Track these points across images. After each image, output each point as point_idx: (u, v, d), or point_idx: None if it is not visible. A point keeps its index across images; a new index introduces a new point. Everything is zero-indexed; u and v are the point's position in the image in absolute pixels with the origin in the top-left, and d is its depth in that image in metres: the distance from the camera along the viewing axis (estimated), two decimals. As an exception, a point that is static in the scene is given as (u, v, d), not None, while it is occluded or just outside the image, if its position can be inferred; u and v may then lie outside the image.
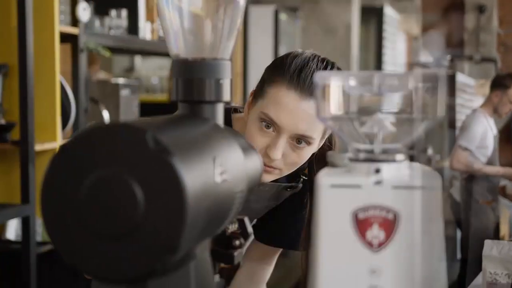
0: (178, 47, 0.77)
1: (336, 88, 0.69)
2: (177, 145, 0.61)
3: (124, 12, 3.23)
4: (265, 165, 1.26)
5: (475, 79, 6.42)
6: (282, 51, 4.99)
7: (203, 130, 0.72)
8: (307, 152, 1.29)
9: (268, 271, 1.57)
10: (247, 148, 0.81)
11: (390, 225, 0.66)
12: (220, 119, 0.77)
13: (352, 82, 0.69)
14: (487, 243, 1.97)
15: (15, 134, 2.52)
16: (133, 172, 0.59)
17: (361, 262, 0.66)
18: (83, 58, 2.85)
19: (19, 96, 2.46)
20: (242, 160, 0.75)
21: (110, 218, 0.59)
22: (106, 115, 3.08)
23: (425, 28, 7.76)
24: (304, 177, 1.45)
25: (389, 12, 7.56)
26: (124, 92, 3.24)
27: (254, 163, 0.82)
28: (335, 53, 5.79)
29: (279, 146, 1.25)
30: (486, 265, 1.90)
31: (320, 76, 0.69)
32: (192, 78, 0.75)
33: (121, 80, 3.40)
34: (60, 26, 2.69)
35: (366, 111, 0.70)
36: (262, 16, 5.35)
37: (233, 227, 0.84)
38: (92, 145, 0.60)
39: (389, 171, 0.67)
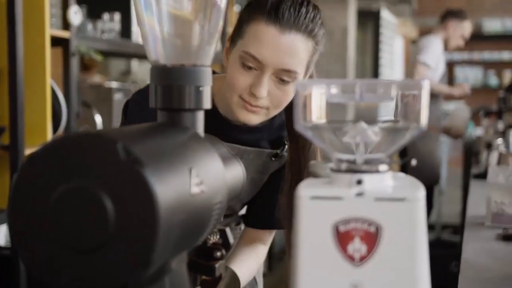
0: (157, 53, 0.75)
1: (317, 96, 0.67)
2: (150, 155, 0.59)
3: (117, 16, 3.20)
4: (251, 105, 1.26)
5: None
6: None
7: (181, 140, 0.69)
8: (292, 88, 1.27)
9: (264, 250, 1.53)
10: (228, 157, 0.79)
11: (372, 238, 0.63)
12: (200, 128, 0.75)
13: (334, 90, 0.66)
14: (492, 169, 1.81)
15: (5, 139, 2.49)
16: (104, 183, 0.57)
17: (342, 277, 0.64)
18: (74, 62, 2.82)
19: (9, 100, 2.44)
20: (221, 170, 0.72)
21: (79, 231, 0.57)
22: (98, 119, 3.06)
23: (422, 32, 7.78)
24: (288, 143, 1.43)
25: (386, 15, 7.54)
26: (118, 96, 3.22)
27: (235, 172, 0.80)
28: (332, 57, 5.78)
29: (264, 83, 1.24)
30: (491, 193, 1.75)
31: (300, 85, 0.67)
32: (171, 85, 0.73)
33: (114, 84, 3.37)
34: (52, 29, 2.66)
35: (360, 118, 0.68)
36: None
37: (214, 238, 0.82)
38: (62, 155, 0.58)
39: (371, 182, 0.65)
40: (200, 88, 0.74)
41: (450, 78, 8.84)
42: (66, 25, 2.78)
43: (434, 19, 5.33)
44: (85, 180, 0.57)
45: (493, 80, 9.55)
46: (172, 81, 0.73)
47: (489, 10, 9.34)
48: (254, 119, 1.29)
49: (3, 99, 2.50)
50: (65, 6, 2.76)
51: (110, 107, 3.17)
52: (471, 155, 4.49)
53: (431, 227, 5.34)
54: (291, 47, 1.23)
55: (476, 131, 5.42)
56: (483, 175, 2.65)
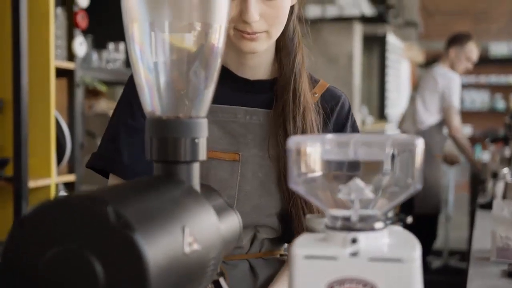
0: (153, 105, 0.74)
1: (310, 152, 0.66)
2: (142, 217, 0.58)
3: (122, 46, 3.21)
4: (248, 33, 1.21)
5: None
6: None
7: (174, 196, 0.69)
8: (283, 1, 1.23)
9: None
10: (224, 209, 0.78)
11: (367, 299, 0.62)
12: (195, 180, 0.74)
13: (328, 146, 0.66)
14: (497, 203, 1.78)
15: (8, 170, 2.49)
16: (94, 247, 0.56)
17: (337, 338, 0.63)
18: (79, 93, 2.83)
19: (13, 131, 2.44)
20: (216, 224, 0.72)
21: (69, 296, 0.56)
22: (103, 148, 3.05)
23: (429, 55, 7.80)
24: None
25: (392, 40, 7.54)
26: (122, 125, 3.21)
27: (230, 224, 0.79)
28: (338, 82, 5.77)
29: (251, 6, 1.18)
30: (496, 228, 1.71)
31: (294, 141, 0.66)
32: (167, 137, 0.73)
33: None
34: (57, 61, 2.67)
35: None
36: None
37: (210, 290, 0.81)
38: (53, 218, 0.58)
39: (366, 240, 0.64)
40: (196, 140, 0.73)
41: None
42: (71, 56, 2.80)
43: (440, 43, 5.30)
44: (75, 244, 0.56)
45: (500, 104, 9.54)
46: (168, 133, 0.73)
47: (496, 34, 9.35)
48: (257, 46, 1.23)
49: (7, 130, 2.50)
50: (70, 37, 2.78)
51: (115, 135, 3.16)
52: (477, 183, 4.46)
53: (438, 253, 5.30)
54: None
55: (483, 155, 5.39)
56: (489, 205, 2.63)
